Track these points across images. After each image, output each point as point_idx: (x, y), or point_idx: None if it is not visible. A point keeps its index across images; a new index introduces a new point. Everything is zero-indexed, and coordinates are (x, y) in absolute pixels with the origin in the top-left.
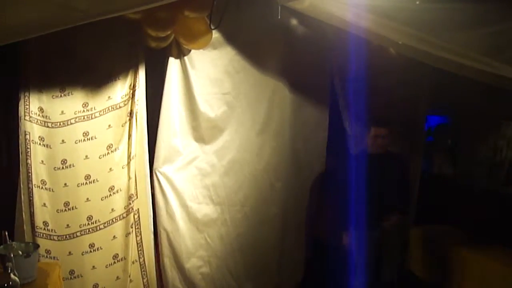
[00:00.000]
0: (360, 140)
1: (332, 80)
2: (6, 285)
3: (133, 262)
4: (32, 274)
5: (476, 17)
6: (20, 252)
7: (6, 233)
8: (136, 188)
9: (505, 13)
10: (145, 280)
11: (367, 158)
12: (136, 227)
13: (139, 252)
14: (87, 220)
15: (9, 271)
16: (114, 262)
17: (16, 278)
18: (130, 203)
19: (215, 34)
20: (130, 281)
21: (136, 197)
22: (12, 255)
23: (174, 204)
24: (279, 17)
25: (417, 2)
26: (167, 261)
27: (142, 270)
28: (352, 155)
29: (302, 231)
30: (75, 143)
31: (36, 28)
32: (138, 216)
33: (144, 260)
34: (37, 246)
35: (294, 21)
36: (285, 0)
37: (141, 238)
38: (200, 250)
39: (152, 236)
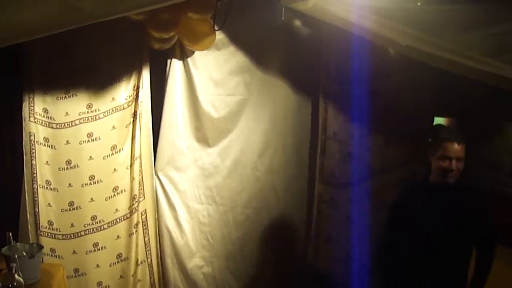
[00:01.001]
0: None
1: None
2: (10, 285)
3: (141, 262)
4: (36, 275)
5: (479, 18)
6: (24, 253)
7: (10, 234)
8: (143, 189)
9: (508, 13)
10: (152, 280)
11: (428, 191)
12: (144, 227)
13: (147, 252)
14: (91, 219)
15: (14, 271)
16: (118, 262)
17: (21, 279)
18: (133, 204)
19: (219, 35)
20: (138, 280)
21: (143, 197)
22: (16, 256)
23: (177, 205)
24: (282, 18)
25: (419, 3)
26: (169, 261)
27: (150, 270)
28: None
29: (304, 232)
30: (80, 144)
31: (41, 29)
32: (146, 216)
33: (151, 260)
34: (41, 247)
35: (297, 22)
36: (289, 1)
37: (148, 238)
38: (203, 250)
39: (157, 236)
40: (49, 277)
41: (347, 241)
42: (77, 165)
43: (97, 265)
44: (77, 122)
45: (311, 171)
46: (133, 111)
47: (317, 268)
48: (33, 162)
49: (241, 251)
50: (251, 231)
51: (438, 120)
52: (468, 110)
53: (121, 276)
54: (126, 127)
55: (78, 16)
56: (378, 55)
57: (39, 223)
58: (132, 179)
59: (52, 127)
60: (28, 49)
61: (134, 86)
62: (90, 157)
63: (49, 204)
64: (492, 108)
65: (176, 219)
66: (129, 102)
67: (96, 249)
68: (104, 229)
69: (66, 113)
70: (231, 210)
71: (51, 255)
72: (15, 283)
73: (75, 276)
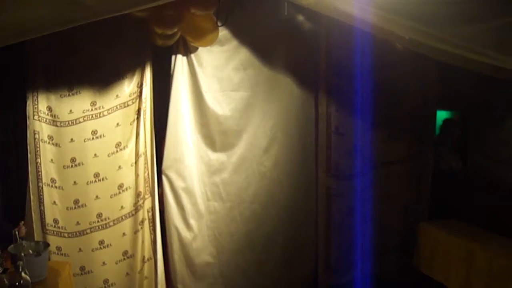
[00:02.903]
0: (367, 138)
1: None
2: (17, 284)
3: (148, 259)
4: (43, 273)
5: (481, 11)
6: (31, 251)
7: (17, 232)
8: (149, 186)
9: (509, 7)
10: (158, 277)
11: None
12: (150, 224)
13: (154, 249)
14: (96, 217)
15: (20, 270)
16: (124, 259)
17: (27, 277)
18: (138, 201)
19: (222, 31)
20: (145, 277)
21: (149, 194)
22: (22, 254)
23: (184, 201)
24: (285, 13)
25: None
26: (177, 257)
27: (156, 267)
28: None
29: (311, 227)
30: (84, 141)
31: (46, 26)
32: (152, 213)
33: (157, 257)
34: (47, 245)
35: (300, 17)
36: None
37: (155, 235)
38: (210, 246)
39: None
40: (55, 274)
41: (354, 231)
42: (82, 163)
43: (103, 263)
44: (81, 119)
45: (317, 164)
46: (137, 108)
47: (326, 259)
48: (38, 160)
49: (249, 247)
50: (258, 226)
51: (441, 113)
52: (471, 103)
53: (127, 273)
54: (130, 124)
55: (81, 13)
56: (380, 48)
57: (45, 221)
58: (137, 176)
59: (56, 125)
60: (31, 47)
61: (138, 83)
62: (95, 154)
63: (54, 202)
64: (496, 101)
65: (183, 216)
66: (133, 99)
67: (102, 247)
68: (109, 226)
69: (70, 110)
70: (238, 206)
71: (57, 253)
72: (21, 281)
73: (81, 274)
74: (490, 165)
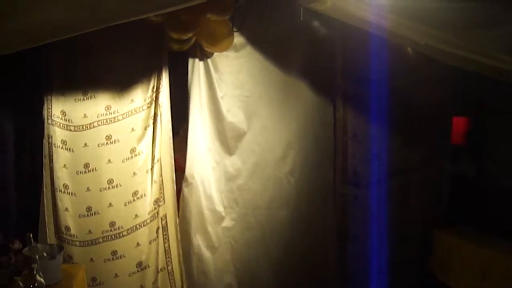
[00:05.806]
0: (384, 145)
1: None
2: (31, 286)
3: (161, 270)
4: (57, 276)
5: (495, 16)
6: (45, 254)
7: (31, 235)
8: (163, 193)
9: None
10: (173, 287)
11: None
12: (164, 233)
13: (167, 259)
14: (109, 226)
15: (35, 272)
16: (138, 271)
17: (42, 280)
18: (155, 208)
19: (237, 37)
20: None
21: (163, 202)
22: (37, 257)
23: (199, 209)
24: (301, 18)
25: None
26: (194, 266)
27: (170, 277)
28: None
29: (327, 236)
30: (98, 146)
31: (62, 30)
32: (166, 221)
33: (172, 267)
34: (61, 248)
35: (316, 23)
36: (307, 1)
37: (169, 244)
38: (226, 254)
39: (179, 242)
40: (69, 278)
41: (371, 240)
42: (95, 169)
43: (116, 275)
44: (95, 124)
45: (334, 171)
46: (152, 113)
47: (342, 267)
48: (51, 165)
49: (265, 255)
50: (274, 233)
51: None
52: (488, 109)
53: (141, 286)
54: (145, 129)
55: (98, 17)
56: (396, 54)
57: (58, 226)
58: (153, 182)
59: (70, 130)
60: (47, 51)
61: (154, 88)
62: (109, 160)
63: (66, 209)
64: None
65: (197, 223)
66: (148, 103)
67: (114, 258)
68: (123, 236)
69: (84, 115)
70: (253, 212)
71: (68, 262)
72: (36, 284)
73: (92, 285)
74: (507, 172)
